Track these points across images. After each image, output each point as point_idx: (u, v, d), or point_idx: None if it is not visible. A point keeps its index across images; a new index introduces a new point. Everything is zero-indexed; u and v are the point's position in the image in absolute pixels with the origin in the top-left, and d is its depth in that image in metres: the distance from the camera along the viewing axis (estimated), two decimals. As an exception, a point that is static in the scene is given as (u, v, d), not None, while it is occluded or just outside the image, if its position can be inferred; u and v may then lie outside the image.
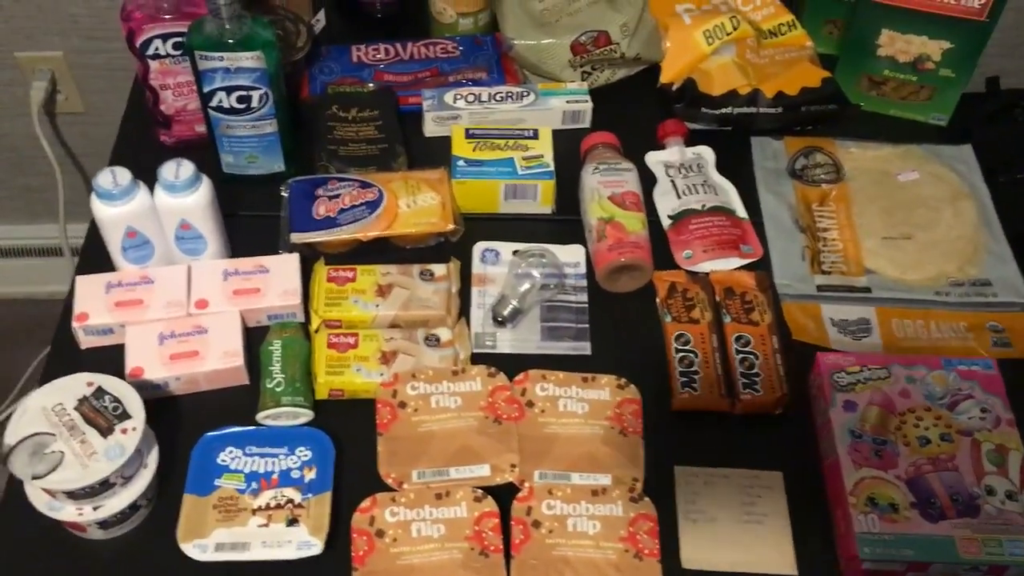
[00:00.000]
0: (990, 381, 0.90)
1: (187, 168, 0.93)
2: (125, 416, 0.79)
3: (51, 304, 1.86)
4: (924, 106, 1.17)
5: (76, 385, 0.81)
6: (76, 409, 0.79)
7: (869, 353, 0.94)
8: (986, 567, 0.80)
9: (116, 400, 0.80)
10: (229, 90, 1.00)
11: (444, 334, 0.95)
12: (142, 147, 1.13)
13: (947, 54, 1.11)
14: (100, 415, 0.79)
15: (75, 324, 0.94)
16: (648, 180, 1.10)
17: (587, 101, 1.15)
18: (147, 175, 0.95)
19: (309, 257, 1.01)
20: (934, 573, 0.81)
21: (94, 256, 1.01)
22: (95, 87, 1.64)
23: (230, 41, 0.96)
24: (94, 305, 0.94)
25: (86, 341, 0.95)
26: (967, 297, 1.02)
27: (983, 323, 1.00)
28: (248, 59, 0.97)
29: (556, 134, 1.12)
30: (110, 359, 0.92)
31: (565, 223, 1.07)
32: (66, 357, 0.95)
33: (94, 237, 1.01)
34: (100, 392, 0.80)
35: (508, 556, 0.80)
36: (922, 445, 0.86)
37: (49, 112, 1.68)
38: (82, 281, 0.96)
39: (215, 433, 0.86)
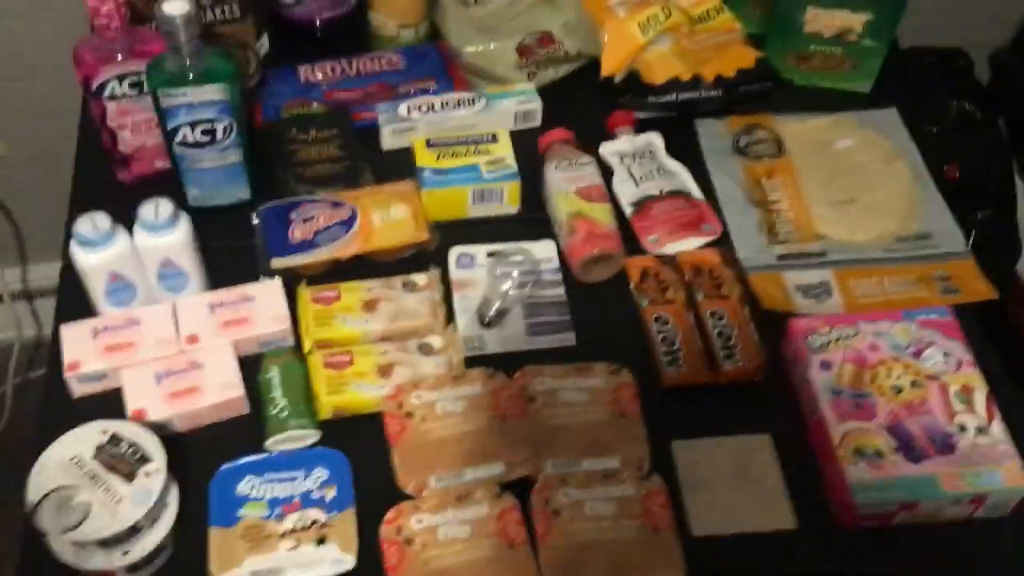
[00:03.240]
0: (948, 327, 0.97)
1: (166, 207, 0.94)
2: (145, 460, 0.81)
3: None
4: (850, 75, 1.25)
5: (90, 435, 0.82)
6: (95, 459, 0.80)
7: (836, 314, 1.00)
8: (968, 498, 0.87)
9: (133, 444, 0.81)
10: (193, 124, 1.00)
11: (436, 341, 0.98)
12: (100, 188, 1.12)
13: (868, 25, 1.19)
14: (121, 461, 0.80)
15: (68, 374, 0.94)
16: (605, 170, 1.15)
17: (536, 100, 1.19)
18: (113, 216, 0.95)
19: (290, 282, 1.03)
20: (922, 509, 0.87)
21: (70, 303, 1.00)
22: (10, 127, 1.60)
23: (192, 76, 0.97)
24: (84, 352, 0.94)
25: (80, 389, 0.95)
26: (913, 251, 1.09)
27: (931, 274, 1.07)
28: (211, 92, 0.98)
29: (511, 135, 1.16)
30: (106, 404, 0.93)
31: (532, 221, 1.11)
32: (61, 408, 0.95)
33: (69, 283, 1.00)
34: (116, 439, 0.81)
35: (535, 547, 0.84)
36: (896, 393, 0.93)
37: (-28, 158, 1.64)
38: (67, 329, 0.96)
39: (231, 465, 0.87)
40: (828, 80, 1.25)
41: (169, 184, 1.07)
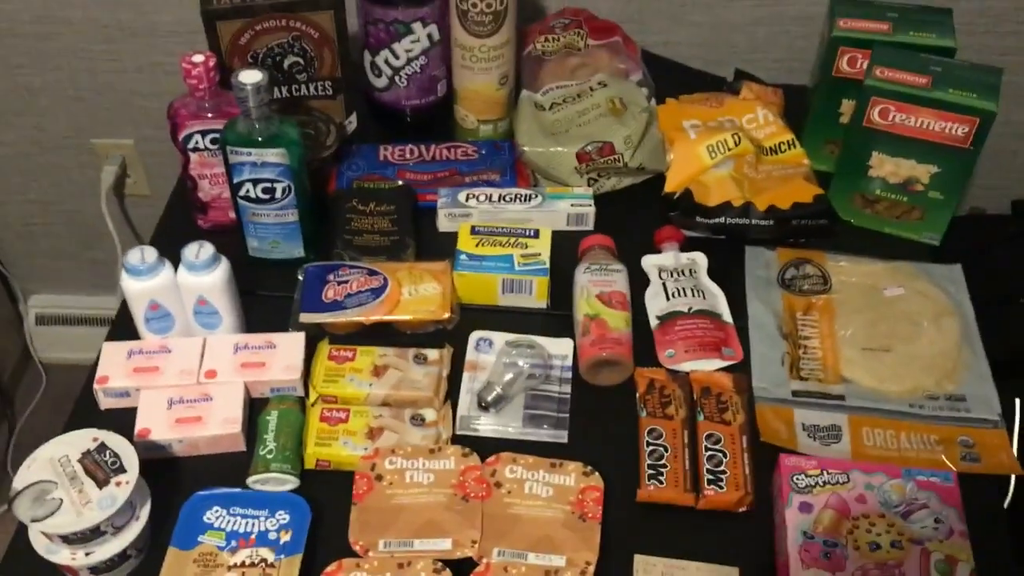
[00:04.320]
0: (948, 493, 0.92)
1: (207, 250, 1.03)
2: (121, 470, 0.87)
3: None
4: (917, 225, 1.22)
5: (82, 440, 0.89)
6: (79, 461, 0.88)
7: (831, 459, 0.97)
8: (924, 675, 0.81)
9: (115, 455, 0.88)
10: (255, 182, 1.10)
11: (429, 415, 1.02)
12: (181, 229, 1.24)
13: (935, 178, 1.16)
14: (99, 468, 0.87)
15: (96, 386, 1.03)
16: (643, 282, 1.16)
17: (591, 205, 1.23)
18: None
19: (317, 336, 1.09)
20: (873, 677, 0.82)
21: (123, 325, 1.11)
22: (161, 173, 1.78)
23: (258, 139, 1.07)
24: (115, 369, 1.04)
25: (105, 402, 1.04)
26: (940, 411, 1.04)
27: (954, 437, 1.02)
28: (273, 155, 1.08)
29: (560, 235, 1.20)
30: (124, 420, 1.01)
31: (559, 318, 1.14)
32: (86, 415, 1.04)
33: (125, 309, 1.11)
34: (103, 447, 0.89)
35: (459, 628, 0.85)
36: (872, 550, 0.88)
37: (119, 194, 1.83)
38: (108, 347, 1.06)
39: (204, 493, 0.93)
40: (894, 227, 1.23)
41: (238, 234, 1.17)
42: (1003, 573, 0.91)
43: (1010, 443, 1.02)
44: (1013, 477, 1.12)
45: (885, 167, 1.18)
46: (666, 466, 0.98)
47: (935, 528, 0.90)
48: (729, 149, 1.24)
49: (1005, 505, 1.06)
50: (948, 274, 1.18)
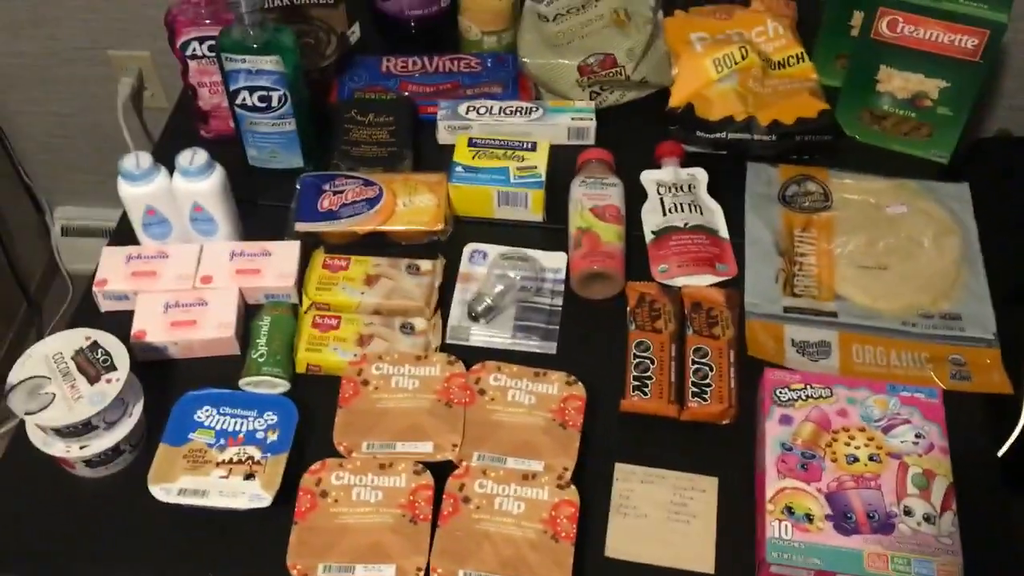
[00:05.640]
0: (931, 409, 0.92)
1: (200, 156, 1.03)
2: (112, 368, 0.90)
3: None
4: (925, 143, 1.19)
5: (76, 338, 0.92)
6: (72, 359, 0.90)
7: (816, 373, 0.97)
8: (891, 584, 0.82)
9: (107, 354, 0.91)
10: (251, 90, 1.10)
11: (419, 324, 1.03)
12: (185, 138, 1.25)
13: (944, 92, 1.13)
14: (91, 365, 0.90)
15: (95, 288, 1.05)
16: (642, 197, 1.16)
17: (592, 119, 1.21)
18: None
19: (312, 245, 1.10)
20: (841, 585, 0.83)
21: (124, 232, 1.13)
22: (180, 85, 1.79)
23: (253, 45, 1.07)
24: (114, 273, 1.06)
25: (105, 305, 1.07)
26: (933, 329, 1.03)
27: (945, 355, 1.01)
28: (268, 63, 1.08)
29: (560, 149, 1.19)
30: (123, 322, 1.03)
31: (554, 231, 1.14)
32: (89, 318, 1.07)
33: (126, 216, 1.12)
34: (95, 345, 0.91)
35: (435, 526, 0.87)
36: (849, 462, 0.89)
37: (137, 107, 1.84)
38: (107, 251, 1.08)
39: (196, 392, 0.95)
40: (902, 145, 1.20)
41: (238, 144, 1.18)
42: (982, 489, 0.91)
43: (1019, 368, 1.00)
44: (1017, 430, 1.12)
45: (893, 81, 1.15)
46: (651, 378, 0.98)
47: (915, 443, 0.90)
48: (736, 63, 1.22)
49: (1000, 454, 1.06)
50: (954, 192, 1.16)
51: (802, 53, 1.24)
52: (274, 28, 1.08)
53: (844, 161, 1.19)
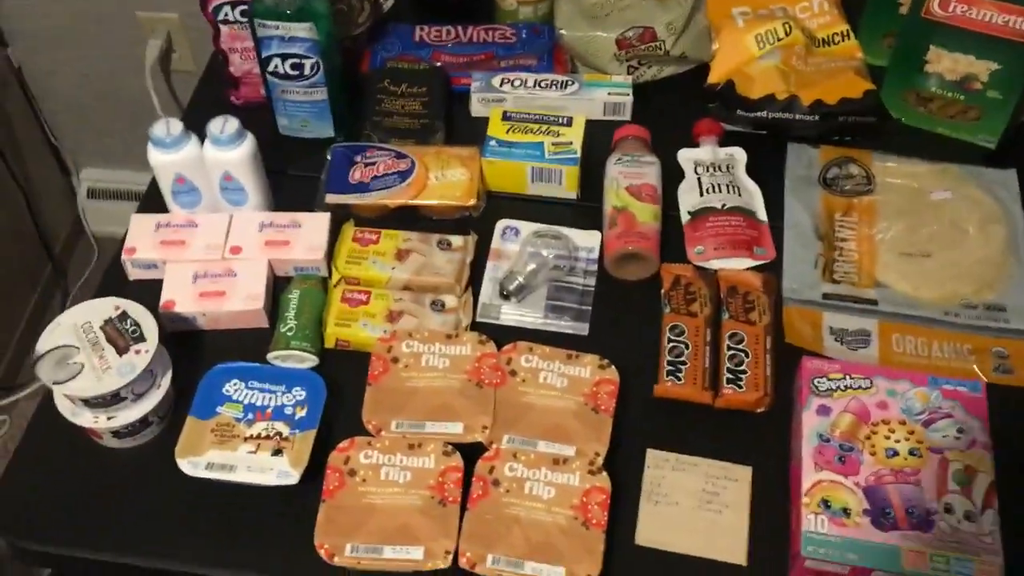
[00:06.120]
0: (974, 403, 0.90)
1: (232, 124, 1.02)
2: (141, 339, 0.89)
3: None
4: (972, 127, 1.16)
5: (105, 307, 0.91)
6: (101, 328, 0.89)
7: (856, 363, 0.95)
8: (929, 581, 0.81)
9: (136, 324, 0.90)
10: (284, 57, 1.08)
11: (450, 301, 1.01)
12: (214, 105, 1.23)
13: (994, 75, 1.10)
14: (120, 336, 0.89)
15: (124, 256, 1.04)
16: (678, 176, 1.13)
17: (628, 94, 1.18)
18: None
19: (342, 218, 1.09)
20: (877, 581, 0.82)
21: (153, 199, 1.11)
22: (208, 48, 1.76)
23: (287, 12, 1.04)
24: (143, 241, 1.05)
25: (133, 273, 1.06)
26: (977, 320, 1.01)
27: (988, 347, 0.99)
28: (301, 30, 1.05)
29: (596, 124, 1.16)
30: (151, 291, 1.02)
31: (589, 209, 1.11)
32: (116, 285, 1.06)
33: (155, 183, 1.11)
34: (124, 316, 0.90)
35: (464, 508, 0.85)
36: (889, 456, 0.87)
37: (165, 70, 1.82)
38: (136, 219, 1.07)
39: (224, 365, 0.94)
40: (948, 128, 1.17)
41: (270, 113, 1.16)
42: None
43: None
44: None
45: (943, 62, 1.12)
46: (685, 363, 0.96)
47: (957, 438, 0.87)
48: (779, 39, 1.18)
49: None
50: (1001, 179, 1.12)
51: (847, 31, 1.21)
52: (308, -5, 1.05)
53: (887, 143, 1.16)
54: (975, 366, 0.98)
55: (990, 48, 1.08)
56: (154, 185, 1.10)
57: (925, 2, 1.08)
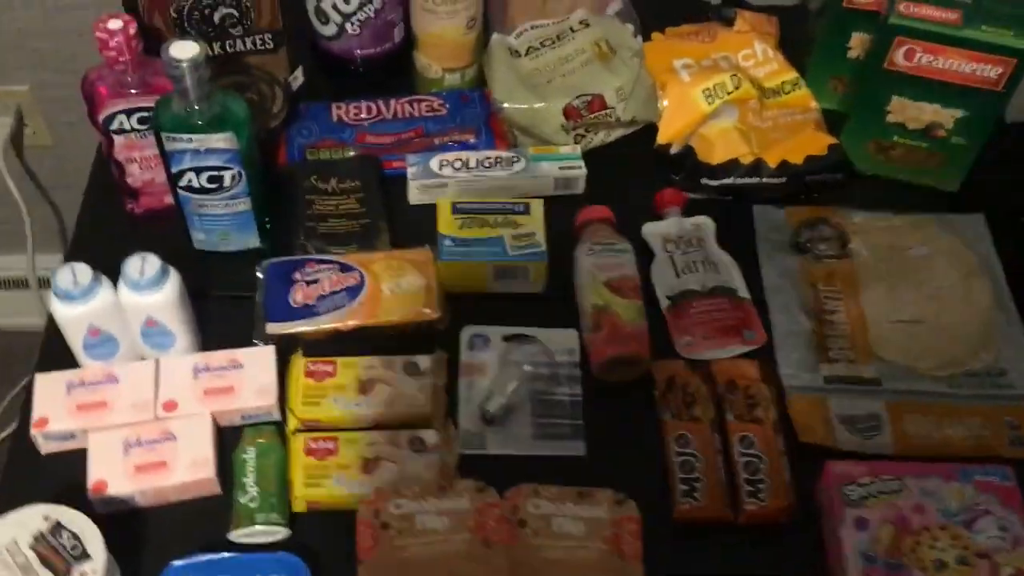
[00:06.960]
0: (1008, 494, 0.85)
1: (152, 264, 0.86)
2: (84, 556, 0.73)
3: (16, 336, 1.79)
4: (935, 172, 1.12)
5: (32, 519, 0.75)
6: (32, 547, 0.73)
7: (880, 462, 0.88)
8: None
9: (75, 537, 0.74)
10: (199, 171, 0.93)
11: (430, 437, 0.90)
12: (109, 219, 1.06)
13: (960, 122, 1.06)
14: (57, 555, 0.73)
15: (34, 431, 0.87)
16: (644, 252, 1.04)
17: (580, 167, 1.09)
18: (117, 250, 0.89)
19: (287, 348, 0.95)
20: None
21: (54, 351, 0.94)
22: (64, 119, 1.57)
23: (199, 123, 0.89)
24: (54, 408, 0.88)
25: (46, 447, 0.89)
26: (982, 389, 0.96)
27: (999, 418, 0.95)
28: (219, 140, 0.91)
29: (547, 201, 1.06)
30: (72, 465, 0.86)
31: (557, 303, 1.01)
32: (26, 463, 0.89)
33: (52, 328, 0.94)
34: (58, 528, 0.74)
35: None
36: (938, 569, 0.81)
37: (17, 146, 1.61)
38: (41, 380, 0.90)
39: (182, 563, 0.80)
40: (910, 174, 1.13)
41: (179, 224, 1.00)
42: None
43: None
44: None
45: (907, 112, 1.07)
46: (700, 479, 0.88)
47: (1001, 538, 0.82)
48: (728, 93, 1.11)
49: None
50: (971, 224, 1.09)
51: (797, 79, 1.15)
52: (223, 96, 0.91)
53: (850, 195, 1.11)
54: (991, 440, 0.93)
55: (956, 96, 1.03)
56: (54, 336, 0.93)
57: (886, 54, 1.02)
